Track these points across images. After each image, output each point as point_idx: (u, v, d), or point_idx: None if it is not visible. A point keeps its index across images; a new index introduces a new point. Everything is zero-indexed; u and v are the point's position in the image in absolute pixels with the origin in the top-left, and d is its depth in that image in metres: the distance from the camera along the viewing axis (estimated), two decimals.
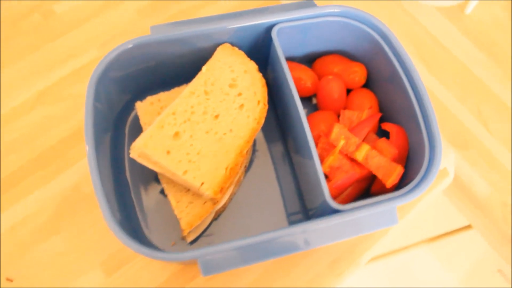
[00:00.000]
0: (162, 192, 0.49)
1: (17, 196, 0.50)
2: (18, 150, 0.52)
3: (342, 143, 0.44)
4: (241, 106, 0.45)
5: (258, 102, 0.45)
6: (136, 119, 0.51)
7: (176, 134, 0.42)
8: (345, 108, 0.51)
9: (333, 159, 0.44)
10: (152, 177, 0.49)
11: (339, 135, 0.45)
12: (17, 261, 0.47)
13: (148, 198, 0.49)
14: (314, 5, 0.49)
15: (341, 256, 0.49)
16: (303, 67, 0.52)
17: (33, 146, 0.52)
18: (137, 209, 0.48)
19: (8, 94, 0.55)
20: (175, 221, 0.47)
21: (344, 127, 0.45)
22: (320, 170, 0.40)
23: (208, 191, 0.41)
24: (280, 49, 0.46)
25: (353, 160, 0.45)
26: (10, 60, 0.57)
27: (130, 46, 0.44)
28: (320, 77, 0.52)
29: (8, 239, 0.48)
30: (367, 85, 0.53)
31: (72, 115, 0.54)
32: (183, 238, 0.46)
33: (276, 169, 0.51)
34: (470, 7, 0.62)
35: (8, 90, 0.55)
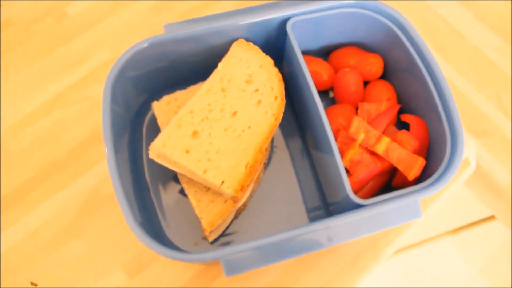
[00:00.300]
0: (182, 191, 0.48)
1: (37, 200, 0.50)
2: (36, 154, 0.52)
3: (362, 136, 0.43)
4: (259, 102, 0.44)
5: (276, 97, 0.45)
6: (153, 119, 0.50)
7: (195, 133, 0.42)
8: (362, 100, 0.50)
9: (353, 152, 0.43)
10: (171, 177, 0.49)
11: (359, 128, 0.44)
12: (39, 264, 0.48)
13: (168, 198, 0.48)
14: None
15: (363, 252, 0.48)
16: (319, 60, 0.52)
17: (51, 149, 0.52)
18: (157, 209, 0.48)
19: (24, 98, 0.55)
20: (196, 221, 0.46)
21: (363, 120, 0.45)
22: (341, 164, 0.40)
23: (228, 189, 0.40)
24: (296, 43, 0.45)
25: (373, 154, 0.44)
26: (24, 64, 0.57)
27: (146, 45, 0.44)
28: (336, 70, 0.51)
29: (30, 243, 0.48)
30: (384, 76, 0.52)
31: (89, 117, 0.54)
32: (205, 238, 0.46)
33: (295, 165, 0.50)
34: None
35: (23, 94, 0.55)
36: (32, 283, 0.47)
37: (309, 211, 0.48)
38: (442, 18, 0.61)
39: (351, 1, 0.47)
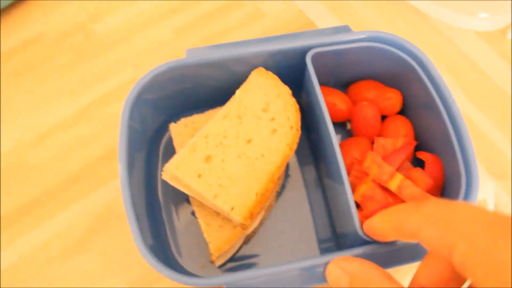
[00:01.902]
0: (194, 214, 0.49)
1: (51, 213, 0.51)
2: (54, 167, 0.53)
3: (374, 171, 0.43)
4: (274, 131, 0.45)
5: (291, 127, 0.45)
6: (171, 140, 0.51)
7: (208, 158, 0.43)
8: (379, 135, 0.50)
9: (365, 187, 0.43)
10: (184, 198, 0.49)
11: (372, 163, 0.44)
12: (48, 276, 0.48)
13: (179, 219, 0.49)
14: (349, 30, 0.49)
15: None
16: (338, 92, 0.52)
17: (69, 163, 0.53)
18: (167, 229, 0.48)
19: (47, 111, 0.56)
20: (205, 244, 0.46)
21: (378, 155, 0.44)
22: (351, 198, 0.40)
23: (237, 216, 0.41)
24: (314, 74, 0.46)
25: (386, 190, 0.44)
26: (51, 78, 0.59)
27: (165, 69, 0.45)
28: (354, 102, 0.52)
29: (41, 255, 0.49)
30: (403, 111, 0.52)
31: (108, 134, 0.55)
32: (212, 262, 0.46)
33: (308, 195, 0.50)
34: None
35: (47, 107, 0.57)
36: None
37: (319, 242, 0.48)
38: (467, 57, 0.61)
39: (371, 35, 0.47)
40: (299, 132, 0.45)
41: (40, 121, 0.56)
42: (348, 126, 0.54)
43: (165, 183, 0.49)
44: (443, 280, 0.30)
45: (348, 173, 0.46)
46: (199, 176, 0.42)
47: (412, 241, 0.29)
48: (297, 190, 0.50)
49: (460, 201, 0.29)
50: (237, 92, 0.46)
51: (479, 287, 0.23)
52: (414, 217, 0.28)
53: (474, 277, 0.24)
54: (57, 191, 0.52)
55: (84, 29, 0.62)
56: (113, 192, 0.52)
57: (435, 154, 0.47)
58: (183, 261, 0.47)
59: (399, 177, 0.43)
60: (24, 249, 0.49)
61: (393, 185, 0.43)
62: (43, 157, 0.54)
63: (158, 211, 0.49)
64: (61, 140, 0.55)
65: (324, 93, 0.50)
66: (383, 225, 0.33)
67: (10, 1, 0.61)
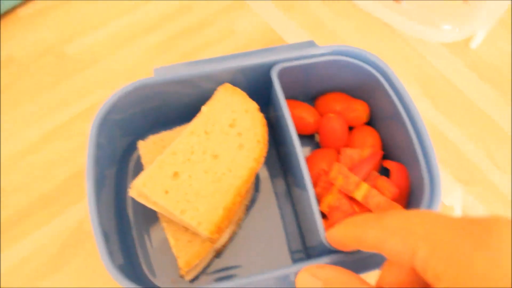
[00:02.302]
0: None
1: (22, 234, 0.51)
2: (26, 188, 0.53)
3: (340, 181, 0.44)
4: (241, 146, 0.45)
5: (258, 141, 0.46)
6: (140, 157, 0.51)
7: (175, 174, 0.43)
8: (347, 146, 0.51)
9: (331, 198, 0.43)
10: (154, 215, 0.49)
11: (338, 173, 0.45)
12: None
13: (150, 236, 0.49)
14: (314, 45, 0.50)
15: None
16: (305, 105, 0.53)
17: (41, 183, 0.53)
18: (138, 247, 0.48)
19: (17, 135, 0.56)
20: (175, 259, 0.47)
21: (344, 166, 0.45)
22: (316, 209, 0.40)
23: (205, 231, 0.41)
24: (280, 89, 0.47)
25: (352, 200, 0.44)
26: (22, 101, 0.59)
27: (131, 88, 0.45)
28: (322, 114, 0.52)
29: (14, 276, 0.49)
30: (370, 122, 0.53)
31: (79, 153, 0.55)
32: (182, 277, 0.46)
33: (278, 207, 0.51)
34: (476, 41, 0.62)
35: (17, 130, 0.57)
36: None
37: (290, 253, 0.48)
38: (434, 67, 0.63)
39: (334, 49, 0.48)
40: (266, 147, 0.46)
41: (9, 144, 0.56)
42: (317, 138, 0.54)
43: (135, 201, 0.49)
44: (404, 284, 0.30)
45: (315, 185, 0.47)
46: (166, 192, 0.42)
47: (374, 251, 0.29)
48: (267, 203, 0.51)
49: (420, 210, 0.30)
50: (204, 108, 0.46)
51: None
52: (375, 230, 0.29)
53: (436, 279, 0.24)
54: (27, 213, 0.52)
55: (54, 51, 0.63)
56: (84, 211, 0.52)
57: (401, 163, 0.48)
58: (155, 278, 0.47)
59: (364, 186, 0.43)
60: None
61: (359, 195, 0.43)
62: (13, 179, 0.54)
63: (128, 229, 0.49)
64: (34, 161, 0.55)
65: (292, 107, 0.51)
66: (344, 236, 0.33)
67: None
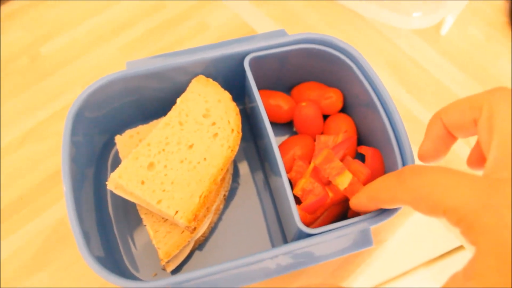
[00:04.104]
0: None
1: (4, 233, 0.51)
2: (4, 189, 0.53)
3: (313, 165, 0.44)
4: (215, 135, 0.46)
5: (232, 130, 0.46)
6: (118, 152, 0.52)
7: (151, 165, 0.43)
8: (322, 133, 0.52)
9: (304, 181, 0.44)
10: (135, 210, 0.50)
11: (324, 158, 0.45)
12: None
13: (131, 231, 0.49)
14: (285, 34, 0.50)
15: (328, 278, 0.49)
16: (281, 94, 0.53)
17: (20, 183, 0.53)
18: (120, 243, 0.49)
19: None
20: (156, 252, 0.47)
21: (331, 151, 0.45)
22: (290, 192, 0.41)
23: (182, 219, 0.41)
24: (252, 77, 0.47)
25: (326, 184, 0.45)
26: None
27: (102, 83, 0.45)
28: (297, 103, 0.53)
29: None
30: (344, 110, 0.54)
31: (57, 153, 0.55)
32: (164, 269, 0.46)
33: (258, 198, 0.51)
34: (445, 28, 0.64)
35: None
36: None
37: (270, 242, 0.49)
38: (406, 54, 0.64)
39: (304, 37, 0.49)
40: (240, 134, 0.46)
41: None
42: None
43: (115, 198, 0.50)
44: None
45: (290, 169, 0.47)
46: (142, 183, 0.42)
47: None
48: (246, 193, 0.51)
49: (440, 168, 0.32)
50: (178, 100, 0.47)
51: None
52: (402, 194, 0.32)
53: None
54: (8, 212, 0.52)
55: (29, 52, 0.63)
56: (64, 210, 0.52)
57: (376, 148, 0.48)
58: (137, 272, 0.47)
59: (348, 175, 0.43)
60: None
61: (341, 183, 0.43)
62: None
63: (109, 226, 0.49)
64: (11, 160, 0.55)
65: (267, 96, 0.51)
66: (369, 202, 0.37)
67: None
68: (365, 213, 0.41)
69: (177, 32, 0.65)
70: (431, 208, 0.29)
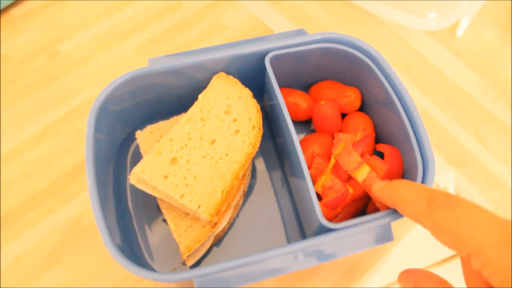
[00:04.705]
0: (164, 220, 0.50)
1: (20, 230, 0.51)
2: (22, 185, 0.54)
3: (333, 162, 0.45)
4: (237, 131, 0.46)
5: (253, 127, 0.47)
6: (138, 149, 0.52)
7: (173, 160, 0.44)
8: (340, 131, 0.52)
9: (325, 178, 0.44)
10: (154, 206, 0.50)
11: (342, 150, 0.45)
12: None
13: (150, 225, 0.50)
14: (305, 33, 0.51)
15: (342, 277, 0.49)
16: (300, 92, 0.54)
17: (37, 180, 0.54)
18: (139, 237, 0.49)
19: (13, 132, 0.57)
20: (176, 247, 0.47)
21: (349, 144, 0.46)
22: (312, 189, 0.41)
23: (204, 213, 0.42)
24: (273, 75, 0.48)
25: (346, 181, 0.45)
26: (16, 99, 0.59)
27: (129, 77, 0.46)
28: (316, 102, 0.54)
29: (13, 272, 0.49)
30: (362, 109, 0.54)
31: (75, 149, 0.56)
32: (184, 263, 0.46)
33: (275, 194, 0.52)
34: (461, 30, 0.64)
35: (12, 128, 0.57)
36: None
37: (286, 236, 0.49)
38: (420, 55, 0.64)
39: (324, 36, 0.50)
40: (261, 131, 0.47)
41: (6, 141, 0.56)
42: (312, 125, 0.55)
43: (134, 193, 0.50)
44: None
45: (309, 167, 0.48)
46: (165, 177, 0.43)
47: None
48: (264, 190, 0.52)
49: (467, 203, 0.31)
50: (200, 96, 0.47)
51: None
52: (426, 220, 0.32)
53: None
54: (24, 208, 0.52)
55: (48, 50, 0.63)
56: (82, 205, 0.52)
57: (394, 147, 0.49)
58: (156, 265, 0.48)
59: (366, 168, 0.44)
60: None
61: (359, 176, 0.44)
62: (10, 176, 0.54)
63: (129, 221, 0.50)
64: (28, 157, 0.55)
65: (286, 94, 0.52)
66: (388, 203, 0.38)
67: None
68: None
69: (193, 32, 0.66)
70: (454, 244, 0.29)
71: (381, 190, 0.39)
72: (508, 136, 0.58)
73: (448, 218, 0.29)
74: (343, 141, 0.46)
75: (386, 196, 0.38)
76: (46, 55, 0.63)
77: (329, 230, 0.41)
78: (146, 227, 0.50)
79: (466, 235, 0.28)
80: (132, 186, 0.51)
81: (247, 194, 0.52)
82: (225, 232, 0.48)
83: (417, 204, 0.33)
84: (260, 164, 0.54)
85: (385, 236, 0.42)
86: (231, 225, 0.50)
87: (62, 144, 0.56)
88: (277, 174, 0.53)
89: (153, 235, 0.49)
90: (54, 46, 0.64)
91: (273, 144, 0.55)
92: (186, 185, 0.43)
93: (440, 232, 0.30)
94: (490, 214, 0.28)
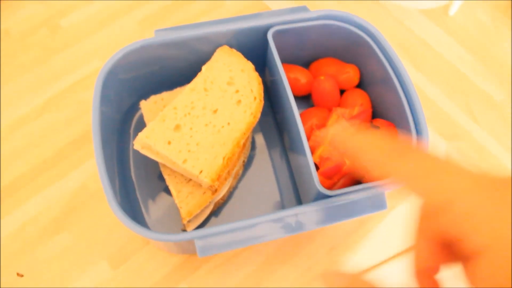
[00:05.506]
0: (166, 189, 0.51)
1: (26, 196, 0.52)
2: (26, 154, 0.55)
3: (331, 130, 0.46)
4: (239, 102, 0.48)
5: (255, 98, 0.48)
6: (141, 120, 0.54)
7: (177, 127, 0.45)
8: (339, 106, 0.54)
9: (323, 149, 0.46)
10: (156, 175, 0.52)
11: (335, 121, 0.47)
12: (27, 257, 0.50)
13: (152, 193, 0.51)
14: (307, 10, 0.52)
15: (338, 244, 0.51)
16: (300, 68, 0.55)
17: (42, 149, 0.55)
18: (141, 204, 0.51)
19: (15, 104, 0.58)
20: (176, 214, 0.49)
21: (342, 116, 0.47)
22: (310, 158, 0.43)
23: (206, 178, 0.43)
24: (275, 50, 0.49)
25: None
26: (19, 73, 0.60)
27: (136, 46, 0.47)
28: (315, 78, 0.55)
29: (18, 237, 0.50)
30: (361, 85, 0.56)
31: (79, 120, 0.57)
32: (184, 229, 0.48)
33: (273, 165, 0.53)
34: (454, 9, 0.66)
35: (15, 100, 0.58)
36: (18, 274, 0.49)
37: (283, 203, 0.51)
38: (414, 33, 0.67)
39: (325, 13, 0.51)
40: (262, 102, 0.48)
41: (10, 112, 0.57)
42: (312, 100, 0.57)
43: (137, 163, 0.52)
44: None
45: (308, 139, 0.49)
46: (169, 143, 0.44)
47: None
48: (263, 162, 0.54)
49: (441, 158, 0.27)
50: (203, 67, 0.49)
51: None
52: (402, 167, 0.26)
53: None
54: (31, 176, 0.53)
55: (49, 24, 0.64)
56: (87, 173, 0.54)
57: (390, 121, 0.50)
58: (157, 230, 0.49)
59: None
60: (1, 233, 0.51)
61: None
62: (15, 144, 0.55)
63: (132, 189, 0.51)
64: (33, 127, 0.56)
65: (286, 69, 0.53)
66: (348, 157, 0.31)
67: None
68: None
69: (192, 8, 0.67)
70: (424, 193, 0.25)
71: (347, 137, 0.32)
72: (497, 111, 0.61)
73: (426, 163, 0.25)
74: (334, 113, 0.47)
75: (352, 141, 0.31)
76: (48, 29, 0.64)
77: (326, 197, 0.42)
78: (148, 194, 0.51)
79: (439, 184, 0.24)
80: (135, 156, 0.52)
81: (247, 165, 0.53)
82: (224, 200, 0.50)
83: (386, 154, 0.27)
84: (260, 139, 0.55)
85: (379, 205, 0.43)
86: (230, 194, 0.51)
87: (66, 114, 0.57)
88: (276, 148, 0.55)
89: (155, 204, 0.51)
90: (55, 20, 0.64)
91: (273, 120, 0.56)
92: (189, 151, 0.44)
93: (419, 180, 0.25)
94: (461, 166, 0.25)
